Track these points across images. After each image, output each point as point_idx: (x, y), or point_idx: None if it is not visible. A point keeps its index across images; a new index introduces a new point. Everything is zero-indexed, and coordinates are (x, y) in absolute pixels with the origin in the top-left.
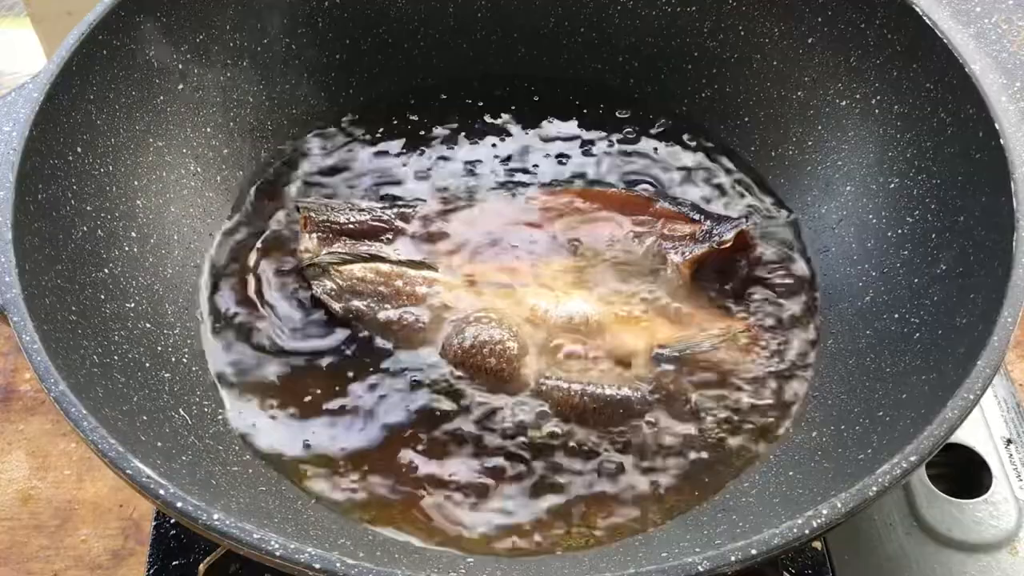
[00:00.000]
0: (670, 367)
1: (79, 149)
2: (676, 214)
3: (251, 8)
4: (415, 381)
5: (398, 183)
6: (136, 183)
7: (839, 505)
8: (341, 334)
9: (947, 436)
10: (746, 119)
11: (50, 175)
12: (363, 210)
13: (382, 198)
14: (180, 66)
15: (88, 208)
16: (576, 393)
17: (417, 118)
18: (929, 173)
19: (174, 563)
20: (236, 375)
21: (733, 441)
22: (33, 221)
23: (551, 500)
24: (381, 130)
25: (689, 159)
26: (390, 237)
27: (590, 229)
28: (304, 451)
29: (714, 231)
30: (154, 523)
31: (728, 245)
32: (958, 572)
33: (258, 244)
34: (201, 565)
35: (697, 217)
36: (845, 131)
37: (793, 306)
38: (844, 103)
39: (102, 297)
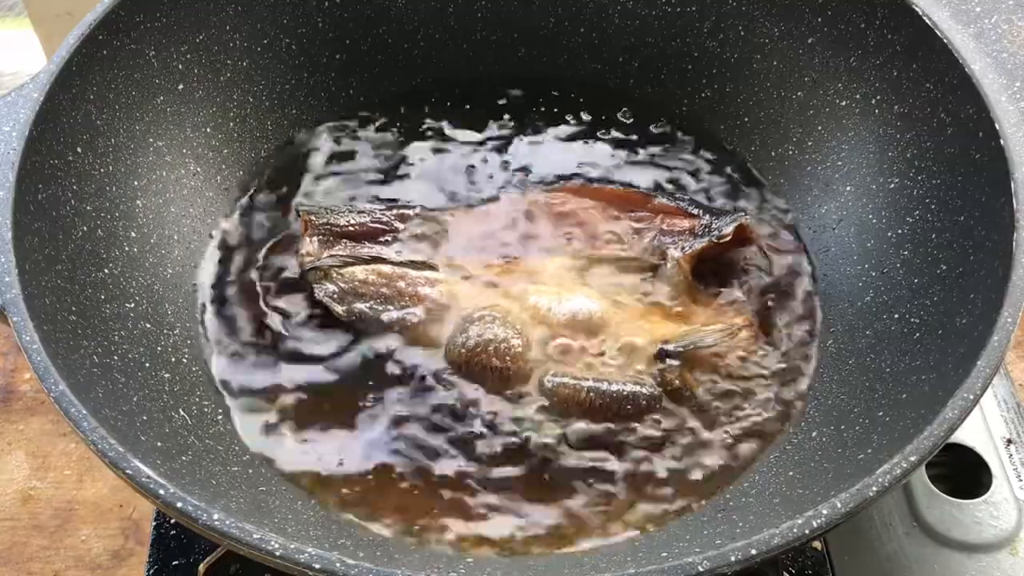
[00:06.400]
0: (674, 363)
1: (79, 149)
2: (675, 209)
3: (251, 8)
4: (419, 382)
5: (398, 183)
6: (136, 183)
7: (839, 505)
8: (343, 336)
9: (947, 436)
10: (746, 119)
11: (50, 175)
12: (363, 212)
13: (382, 199)
14: (180, 66)
15: (88, 208)
16: (582, 390)
17: (417, 118)
18: (929, 173)
19: (174, 563)
20: (237, 377)
21: (734, 439)
22: (33, 221)
23: (554, 498)
24: (381, 130)
25: (688, 159)
26: (390, 238)
27: (590, 226)
28: (306, 451)
29: (713, 225)
30: (154, 523)
31: (728, 239)
32: (958, 572)
33: (258, 246)
34: (201, 565)
35: (696, 212)
36: (845, 131)
37: (793, 306)
38: (844, 103)
39: (102, 297)
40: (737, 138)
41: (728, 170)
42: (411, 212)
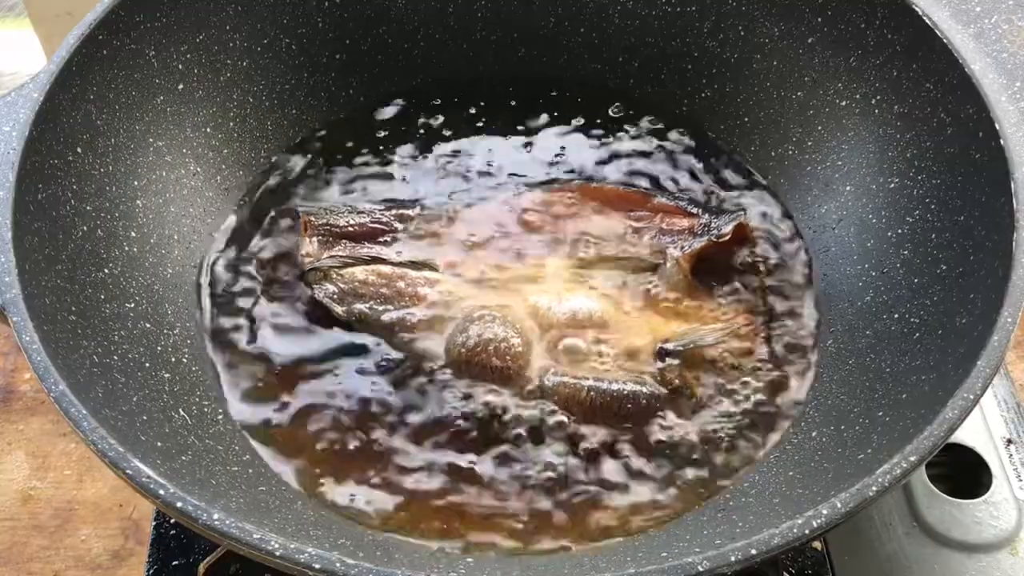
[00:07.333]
0: (674, 362)
1: (79, 149)
2: (674, 208)
3: (251, 8)
4: (419, 382)
5: (397, 184)
6: (136, 183)
7: (839, 505)
8: (343, 337)
9: (947, 436)
10: (746, 119)
11: (50, 175)
12: (362, 212)
13: (382, 199)
14: (180, 66)
15: (88, 208)
16: (582, 389)
17: (416, 118)
18: (929, 173)
19: (174, 563)
20: (236, 376)
21: (734, 439)
22: (33, 221)
23: (554, 499)
24: (380, 130)
25: (688, 158)
26: (390, 239)
27: (589, 226)
28: (306, 452)
29: (712, 224)
30: (154, 523)
31: (727, 238)
32: (958, 572)
33: (258, 246)
34: (201, 565)
35: (695, 211)
36: (845, 131)
37: (793, 305)
38: (844, 103)
39: (102, 297)
40: (737, 138)
41: (728, 170)
42: (411, 212)
